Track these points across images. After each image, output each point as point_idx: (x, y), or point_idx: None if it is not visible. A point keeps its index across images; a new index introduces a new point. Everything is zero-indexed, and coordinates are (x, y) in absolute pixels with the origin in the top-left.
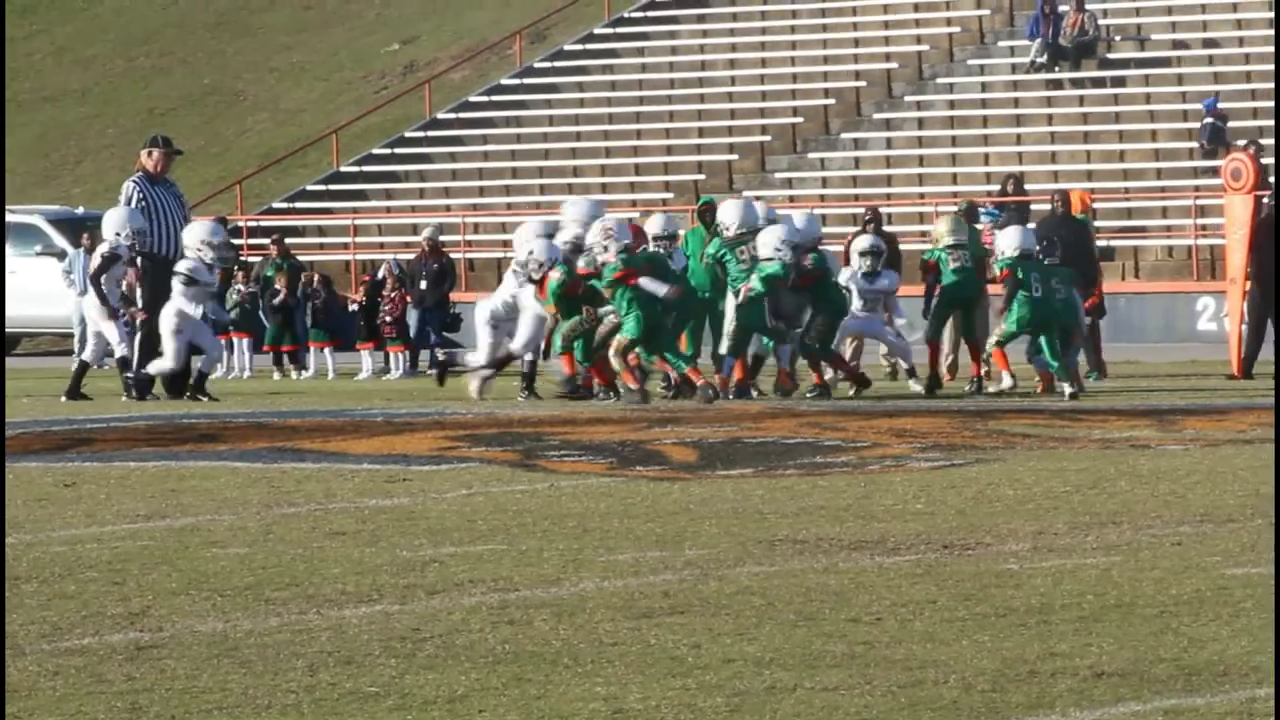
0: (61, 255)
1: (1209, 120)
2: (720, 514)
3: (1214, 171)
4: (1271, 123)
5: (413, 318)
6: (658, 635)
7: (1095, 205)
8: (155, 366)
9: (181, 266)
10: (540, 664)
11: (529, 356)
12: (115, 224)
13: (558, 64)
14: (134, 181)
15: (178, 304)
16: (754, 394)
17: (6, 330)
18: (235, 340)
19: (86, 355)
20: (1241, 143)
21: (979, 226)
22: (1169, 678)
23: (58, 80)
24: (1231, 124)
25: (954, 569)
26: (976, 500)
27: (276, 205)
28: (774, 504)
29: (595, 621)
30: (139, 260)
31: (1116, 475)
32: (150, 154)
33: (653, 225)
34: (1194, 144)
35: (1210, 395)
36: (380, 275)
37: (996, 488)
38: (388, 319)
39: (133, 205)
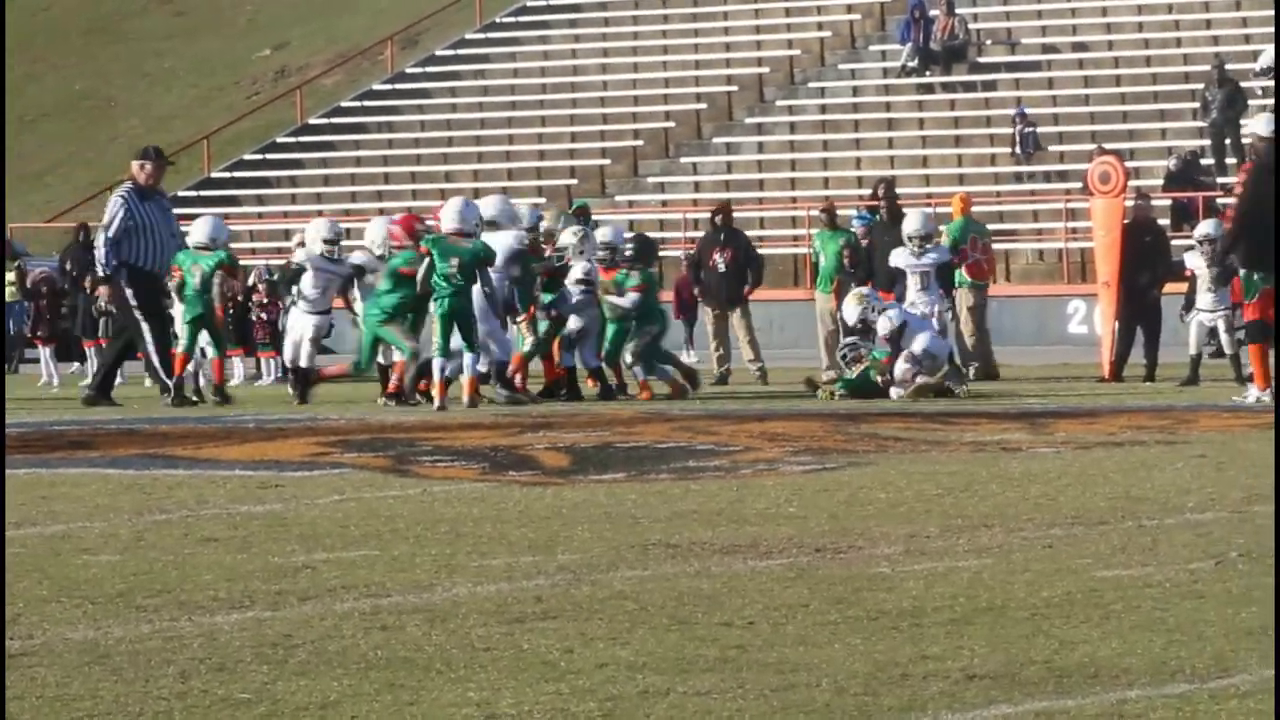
0: None
1: (1026, 129)
2: (593, 519)
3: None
4: (1142, 125)
5: (284, 323)
6: (530, 640)
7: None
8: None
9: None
10: (413, 670)
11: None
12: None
13: (430, 69)
14: (122, 196)
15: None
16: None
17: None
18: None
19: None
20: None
21: (853, 229)
22: (1040, 680)
23: None
24: (1103, 127)
25: (826, 572)
26: (848, 504)
27: None
28: (647, 508)
29: (468, 627)
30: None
31: (988, 478)
32: (143, 166)
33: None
34: (1064, 148)
35: (1081, 398)
36: (251, 281)
37: (868, 491)
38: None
39: (118, 222)
